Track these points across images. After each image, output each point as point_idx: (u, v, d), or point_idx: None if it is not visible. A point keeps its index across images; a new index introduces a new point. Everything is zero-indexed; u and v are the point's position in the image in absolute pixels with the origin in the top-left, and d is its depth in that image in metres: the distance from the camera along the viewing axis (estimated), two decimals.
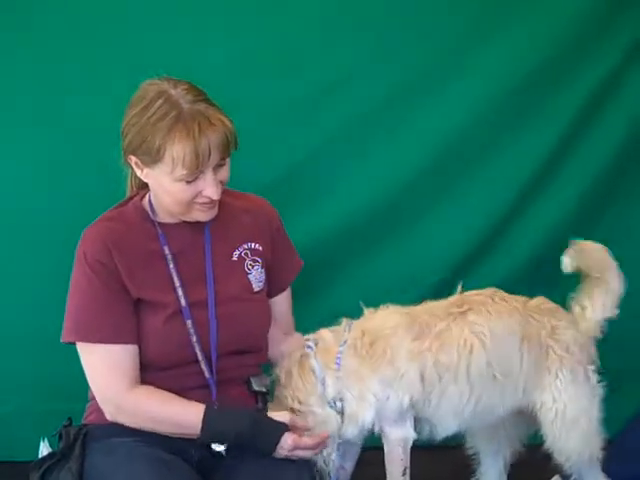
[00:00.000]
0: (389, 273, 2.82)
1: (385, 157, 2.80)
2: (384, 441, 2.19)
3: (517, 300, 2.26)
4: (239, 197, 2.30)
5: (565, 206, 2.88)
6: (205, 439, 2.07)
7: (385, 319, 2.18)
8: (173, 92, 2.04)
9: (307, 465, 2.13)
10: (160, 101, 2.03)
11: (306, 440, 2.10)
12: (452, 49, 2.79)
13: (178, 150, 2.01)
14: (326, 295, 2.74)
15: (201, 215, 2.14)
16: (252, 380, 2.20)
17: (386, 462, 2.19)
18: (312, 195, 2.79)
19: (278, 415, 2.10)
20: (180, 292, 2.13)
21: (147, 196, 2.20)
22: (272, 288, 2.30)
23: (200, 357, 2.13)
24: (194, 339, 2.12)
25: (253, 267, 2.24)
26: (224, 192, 2.19)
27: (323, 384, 2.13)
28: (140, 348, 2.12)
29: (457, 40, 2.79)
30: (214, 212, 2.16)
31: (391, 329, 2.14)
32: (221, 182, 2.10)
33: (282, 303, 2.34)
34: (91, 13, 2.66)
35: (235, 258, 2.23)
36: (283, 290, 2.35)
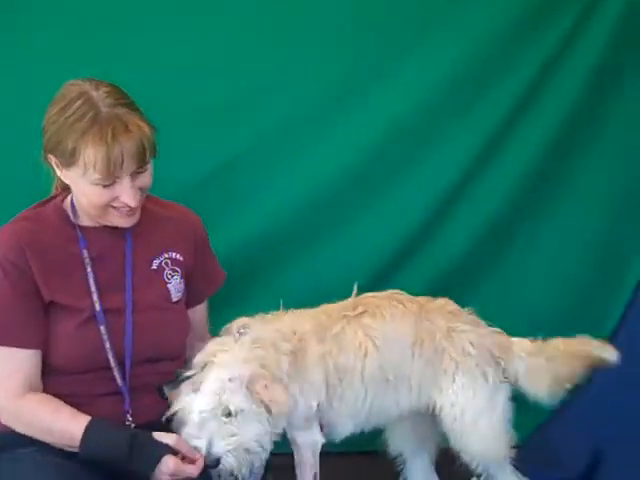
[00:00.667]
0: (314, 277, 2.81)
1: (311, 159, 2.79)
2: (293, 447, 2.19)
3: (416, 302, 2.25)
4: (163, 205, 2.27)
5: (488, 208, 2.88)
6: (83, 455, 2.00)
7: (297, 322, 2.16)
8: (94, 94, 1.99)
9: None
10: (79, 102, 1.99)
11: (189, 467, 1.99)
12: (383, 50, 2.78)
13: (90, 154, 1.97)
14: (247, 299, 2.70)
15: (120, 221, 2.09)
16: (164, 387, 2.14)
17: (296, 467, 2.19)
18: (237, 198, 2.77)
19: (164, 436, 2.01)
20: (95, 297, 2.08)
21: (69, 197, 2.14)
22: (190, 299, 2.27)
23: (113, 364, 2.09)
24: (107, 345, 2.08)
25: (172, 277, 2.21)
26: (148, 198, 2.16)
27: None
28: (51, 351, 2.07)
29: (389, 40, 2.78)
30: (134, 219, 2.11)
31: (303, 333, 2.13)
32: (140, 189, 2.06)
33: (199, 312, 2.31)
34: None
35: (155, 267, 2.19)
36: (201, 302, 2.32)
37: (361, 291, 2.28)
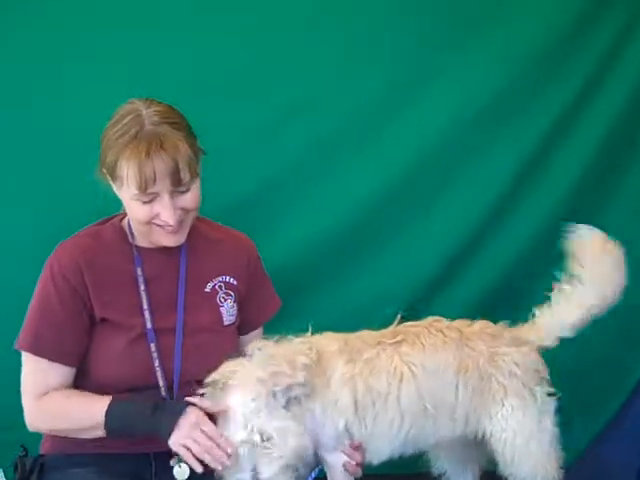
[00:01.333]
0: (358, 295, 2.78)
1: (352, 177, 2.75)
2: (326, 469, 2.15)
3: (455, 329, 2.19)
4: (219, 229, 2.29)
5: (536, 225, 2.85)
6: (108, 428, 2.03)
7: (324, 343, 2.12)
8: (144, 112, 2.03)
9: None
10: (128, 118, 2.03)
11: (212, 426, 1.99)
12: (422, 61, 2.74)
13: (124, 168, 2.01)
14: (293, 319, 2.69)
15: (164, 239, 2.11)
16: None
17: None
18: (279, 217, 2.73)
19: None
20: (147, 315, 2.11)
21: (127, 217, 2.17)
22: (244, 325, 2.28)
23: (161, 383, 2.10)
24: (156, 364, 2.09)
25: (225, 300, 2.22)
26: (201, 220, 2.20)
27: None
28: (100, 368, 2.11)
29: (428, 50, 2.74)
30: (178, 238, 2.12)
31: (329, 352, 2.10)
32: (183, 209, 2.07)
33: (253, 338, 2.27)
34: None
35: (208, 289, 2.21)
36: (255, 329, 2.32)
37: (402, 313, 2.24)
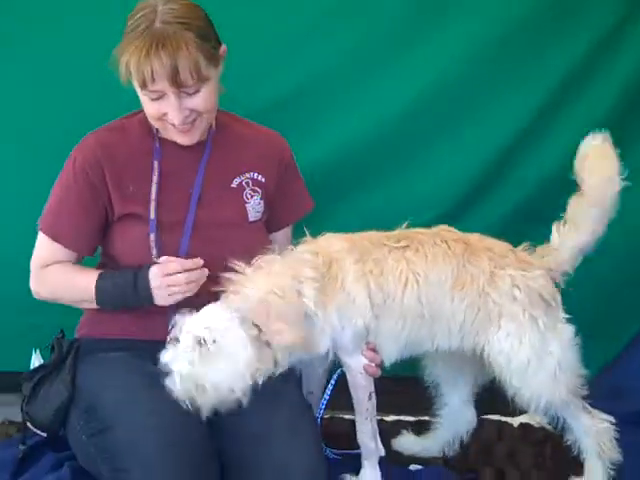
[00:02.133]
0: (383, 206, 2.80)
1: (386, 89, 2.75)
2: (346, 370, 2.18)
3: (462, 242, 2.16)
4: (250, 126, 2.30)
5: (563, 149, 2.75)
6: (101, 302, 2.13)
7: (328, 243, 2.13)
8: (160, 8, 2.03)
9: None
10: (142, 12, 2.04)
11: (171, 263, 2.06)
12: None
13: (125, 63, 2.01)
14: (319, 225, 2.73)
15: (176, 137, 2.14)
16: None
17: (351, 390, 2.19)
18: (310, 124, 2.74)
19: None
20: (152, 206, 2.14)
21: None
22: (272, 223, 2.30)
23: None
24: (154, 253, 2.12)
25: (252, 197, 2.24)
26: (232, 118, 2.22)
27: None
28: (126, 260, 2.17)
29: None
30: (190, 138, 2.14)
31: (337, 252, 2.10)
32: (193, 110, 2.07)
33: (281, 237, 2.32)
34: None
35: (234, 185, 2.23)
36: (281, 229, 2.34)
37: (434, 221, 2.26)
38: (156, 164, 2.17)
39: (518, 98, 2.78)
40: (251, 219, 2.24)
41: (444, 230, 2.21)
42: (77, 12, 2.62)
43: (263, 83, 2.67)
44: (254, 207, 2.24)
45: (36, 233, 2.23)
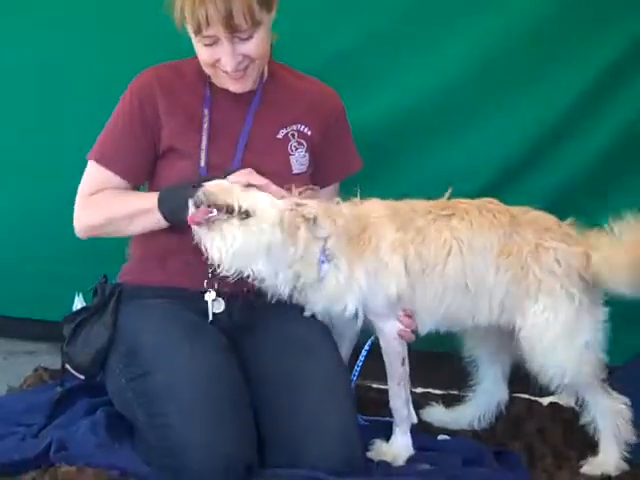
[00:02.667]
0: (438, 169, 2.78)
1: (447, 53, 2.75)
2: (379, 335, 2.19)
3: (508, 213, 2.16)
4: (303, 79, 2.31)
5: (610, 126, 2.79)
6: (163, 209, 2.11)
7: (371, 208, 2.14)
8: None
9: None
10: None
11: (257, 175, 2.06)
12: None
13: (181, 8, 2.05)
14: (370, 185, 2.73)
15: (229, 84, 2.16)
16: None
17: (384, 355, 2.19)
18: (361, 86, 2.73)
19: None
20: (203, 155, 2.16)
21: None
22: (317, 179, 2.29)
23: None
24: None
25: (297, 149, 2.24)
26: (285, 69, 2.24)
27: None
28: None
29: None
30: (243, 86, 2.16)
31: (377, 218, 2.11)
32: (245, 56, 2.09)
33: (326, 194, 2.30)
34: None
35: (280, 136, 2.24)
36: (326, 186, 2.32)
37: (480, 194, 2.26)
38: (206, 111, 2.19)
39: (568, 74, 2.77)
40: (295, 171, 2.24)
41: (488, 202, 2.22)
42: None
43: (308, 44, 2.66)
44: (298, 159, 2.25)
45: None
